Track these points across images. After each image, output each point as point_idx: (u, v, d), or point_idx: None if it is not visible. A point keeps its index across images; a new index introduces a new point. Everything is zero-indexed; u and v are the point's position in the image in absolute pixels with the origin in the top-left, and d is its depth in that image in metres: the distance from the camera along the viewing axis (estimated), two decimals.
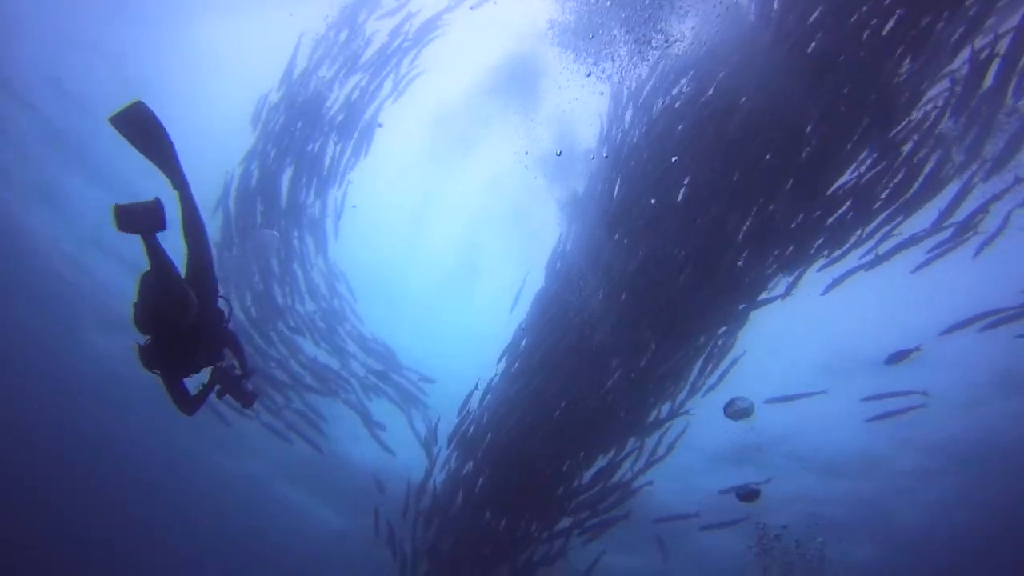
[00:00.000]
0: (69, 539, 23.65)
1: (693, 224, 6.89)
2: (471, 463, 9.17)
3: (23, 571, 22.66)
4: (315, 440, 12.97)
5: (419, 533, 9.68)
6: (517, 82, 10.94)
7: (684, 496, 14.72)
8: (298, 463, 16.60)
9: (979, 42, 5.96)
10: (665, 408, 8.27)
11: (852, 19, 5.82)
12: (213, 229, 10.26)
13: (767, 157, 6.41)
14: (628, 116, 7.84)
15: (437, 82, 10.94)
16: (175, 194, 3.44)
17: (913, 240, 7.06)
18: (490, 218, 13.30)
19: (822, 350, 12.70)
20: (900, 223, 6.85)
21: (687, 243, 6.98)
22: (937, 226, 7.03)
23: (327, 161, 9.79)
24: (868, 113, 6.20)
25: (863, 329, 11.96)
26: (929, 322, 9.80)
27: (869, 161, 6.50)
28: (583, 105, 9.42)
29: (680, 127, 6.95)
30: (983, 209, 6.90)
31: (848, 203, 6.60)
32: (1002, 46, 5.99)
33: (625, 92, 7.92)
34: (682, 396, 8.08)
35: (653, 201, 7.07)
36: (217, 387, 3.99)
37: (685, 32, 7.09)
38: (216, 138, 10.39)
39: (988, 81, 6.20)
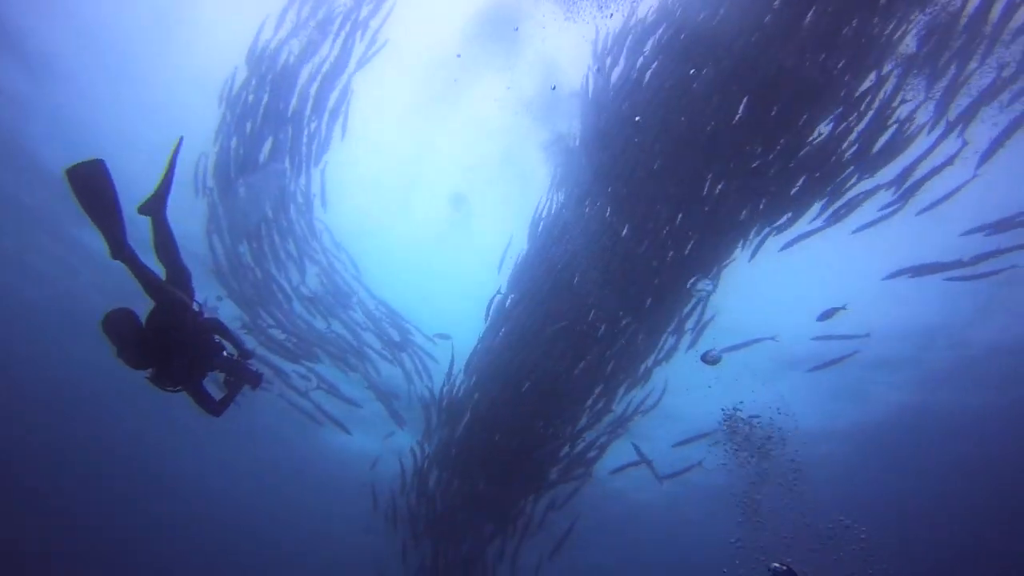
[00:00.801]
0: None
1: (674, 177, 7.25)
2: (459, 428, 9.89)
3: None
4: (343, 423, 13.66)
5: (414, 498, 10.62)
6: (499, 26, 10.59)
7: None
8: None
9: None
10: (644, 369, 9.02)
11: None
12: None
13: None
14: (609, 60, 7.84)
15: (417, 32, 10.57)
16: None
17: (867, 195, 7.47)
18: (481, 165, 13.38)
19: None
20: (862, 181, 7.31)
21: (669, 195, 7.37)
22: (898, 185, 7.45)
23: (304, 134, 9.41)
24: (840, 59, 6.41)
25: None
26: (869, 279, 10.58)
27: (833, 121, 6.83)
28: (569, 47, 9.34)
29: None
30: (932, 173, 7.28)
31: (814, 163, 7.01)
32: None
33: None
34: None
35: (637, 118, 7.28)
36: (227, 378, 4.21)
37: None
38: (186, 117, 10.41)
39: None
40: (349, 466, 20.29)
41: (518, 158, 12.40)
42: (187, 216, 12.88)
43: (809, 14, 6.28)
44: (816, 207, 7.49)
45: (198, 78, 11.65)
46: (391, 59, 10.08)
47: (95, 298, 16.84)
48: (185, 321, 3.71)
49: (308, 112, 9.28)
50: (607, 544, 23.49)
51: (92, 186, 3.23)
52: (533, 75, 10.89)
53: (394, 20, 9.38)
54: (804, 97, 6.60)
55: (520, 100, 11.21)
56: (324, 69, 9.09)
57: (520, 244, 9.60)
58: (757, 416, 12.10)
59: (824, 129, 6.89)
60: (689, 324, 8.76)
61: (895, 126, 6.84)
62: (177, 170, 3.78)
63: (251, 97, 9.07)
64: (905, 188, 7.40)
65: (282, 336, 11.19)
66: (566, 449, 9.65)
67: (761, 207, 7.46)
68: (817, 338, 11.55)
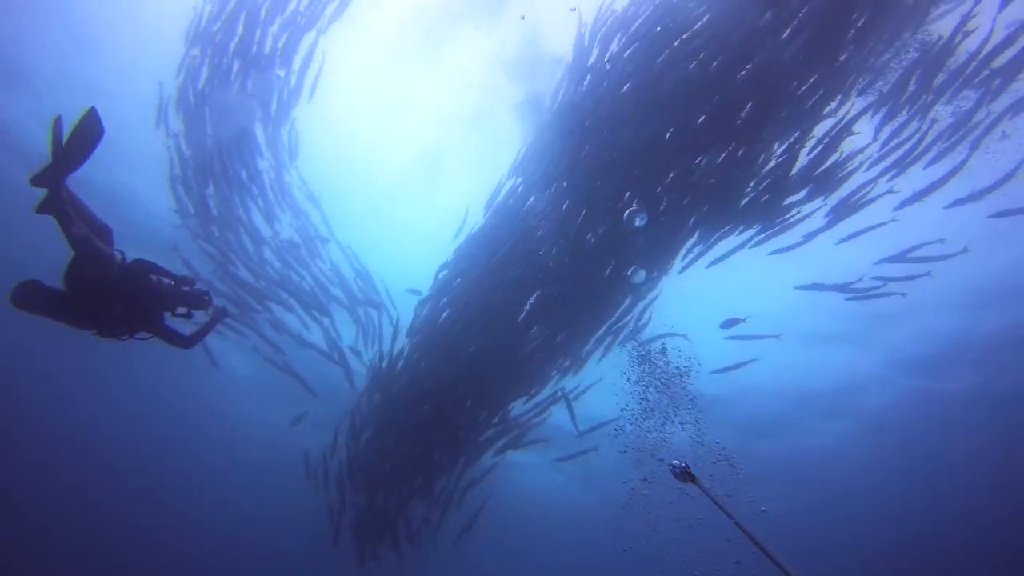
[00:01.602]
0: None
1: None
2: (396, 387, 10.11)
3: None
4: (309, 385, 13.27)
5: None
6: None
7: None
8: None
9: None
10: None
11: None
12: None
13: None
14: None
15: None
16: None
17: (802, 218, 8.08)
18: (455, 120, 13.09)
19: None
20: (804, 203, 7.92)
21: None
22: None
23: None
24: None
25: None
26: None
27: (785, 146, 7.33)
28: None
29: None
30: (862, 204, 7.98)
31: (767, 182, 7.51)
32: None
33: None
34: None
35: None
36: (182, 310, 4.31)
37: None
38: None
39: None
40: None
41: (494, 119, 12.29)
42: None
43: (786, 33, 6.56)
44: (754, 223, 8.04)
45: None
46: (371, 8, 9.57)
47: None
48: (110, 268, 3.79)
49: (277, 61, 8.81)
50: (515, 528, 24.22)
51: (91, 133, 3.48)
52: (517, 33, 10.67)
53: None
54: (768, 111, 6.99)
55: (501, 59, 11.02)
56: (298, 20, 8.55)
57: (478, 214, 9.51)
58: None
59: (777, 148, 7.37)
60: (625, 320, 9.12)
61: (840, 155, 7.42)
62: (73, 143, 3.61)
63: (219, 37, 8.50)
64: (832, 217, 8.09)
65: (251, 279, 10.92)
66: (489, 432, 10.20)
67: (704, 212, 7.92)
68: (729, 338, 12.04)
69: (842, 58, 6.72)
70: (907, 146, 7.51)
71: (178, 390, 19.44)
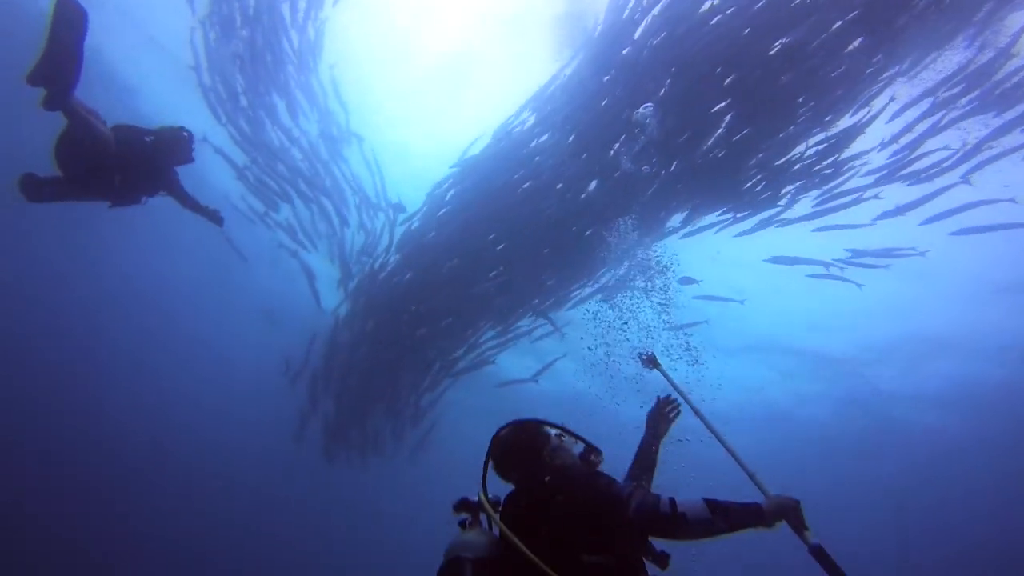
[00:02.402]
0: None
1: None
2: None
3: None
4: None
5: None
6: None
7: None
8: None
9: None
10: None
11: None
12: None
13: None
14: None
15: None
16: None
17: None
18: (489, 18, 12.34)
19: None
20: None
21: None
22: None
23: None
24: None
25: None
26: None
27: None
28: None
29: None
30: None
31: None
32: None
33: None
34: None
35: None
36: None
37: None
38: None
39: None
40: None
41: (530, 26, 11.72)
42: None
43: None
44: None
45: None
46: None
47: None
48: (108, 147, 4.03)
49: None
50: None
51: (72, 20, 3.51)
52: None
53: None
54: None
55: None
56: None
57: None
58: None
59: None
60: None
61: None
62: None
63: None
64: (817, 211, 8.69)
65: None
66: (461, 350, 10.88)
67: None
68: (696, 297, 12.44)
69: (879, 55, 6.85)
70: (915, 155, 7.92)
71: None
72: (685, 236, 8.89)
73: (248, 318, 19.20)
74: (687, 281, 10.63)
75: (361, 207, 11.37)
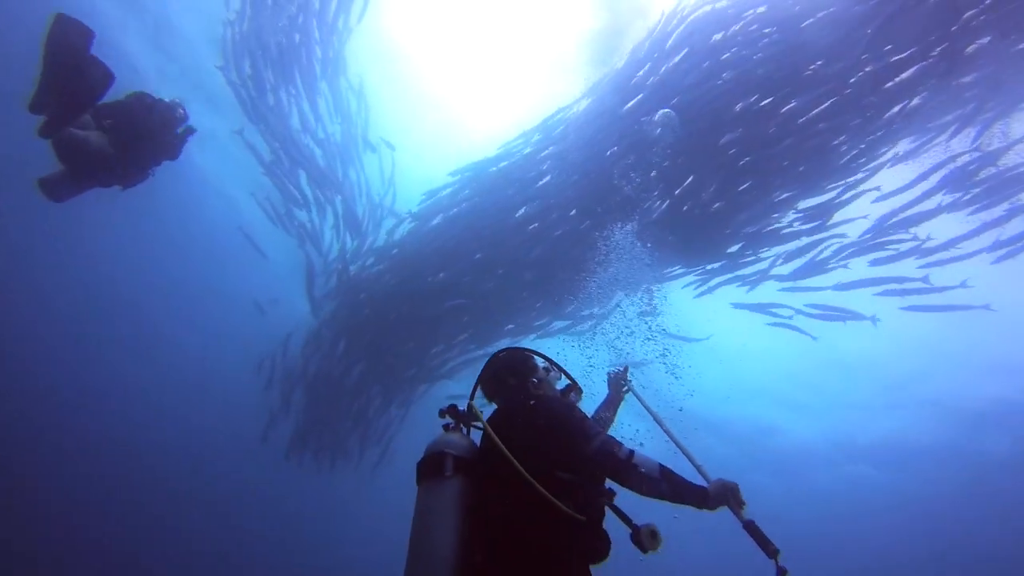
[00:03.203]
0: None
1: None
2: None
3: None
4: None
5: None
6: None
7: None
8: None
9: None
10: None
11: None
12: None
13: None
14: None
15: None
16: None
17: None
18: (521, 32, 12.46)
19: None
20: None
21: None
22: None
23: None
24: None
25: None
26: None
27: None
28: None
29: None
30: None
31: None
32: None
33: None
34: None
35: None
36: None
37: None
38: None
39: None
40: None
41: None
42: None
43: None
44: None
45: None
46: None
47: None
48: (107, 158, 4.20)
49: None
50: None
51: (68, 41, 3.34)
52: None
53: None
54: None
55: None
56: None
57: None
58: None
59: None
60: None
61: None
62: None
63: None
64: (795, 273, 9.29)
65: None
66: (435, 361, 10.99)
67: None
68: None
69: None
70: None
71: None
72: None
73: (235, 312, 18.99)
74: (646, 313, 11.02)
75: (367, 211, 11.40)
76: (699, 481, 1.89)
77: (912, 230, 8.34)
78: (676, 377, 10.81)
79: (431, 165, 12.54)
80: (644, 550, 1.78)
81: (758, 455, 21.99)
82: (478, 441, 1.99)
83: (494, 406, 2.22)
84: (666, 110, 7.58)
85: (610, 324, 9.73)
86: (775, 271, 8.86)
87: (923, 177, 8.13)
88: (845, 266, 8.69)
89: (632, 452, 1.83)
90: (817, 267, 8.66)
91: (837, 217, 8.22)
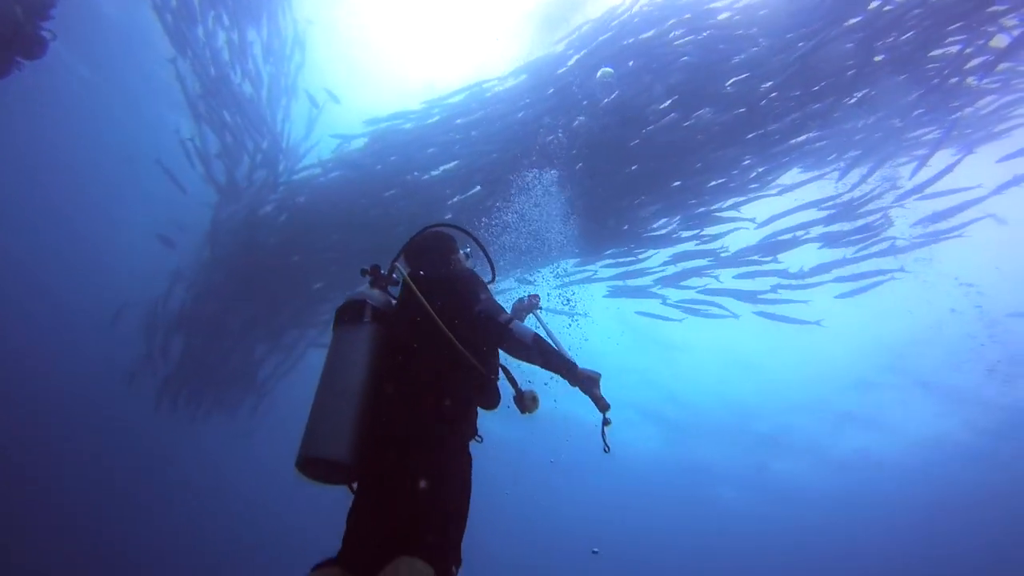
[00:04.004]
0: None
1: None
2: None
3: None
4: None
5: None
6: None
7: None
8: None
9: None
10: None
11: None
12: None
13: None
14: None
15: None
16: None
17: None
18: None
19: None
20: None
21: None
22: None
23: None
24: None
25: None
26: None
27: None
28: None
29: None
30: None
31: None
32: None
33: None
34: None
35: None
36: None
37: None
38: None
39: None
40: None
41: None
42: None
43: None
44: None
45: None
46: None
47: None
48: None
49: None
50: None
51: None
52: None
53: None
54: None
55: None
56: None
57: None
58: None
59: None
60: None
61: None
62: None
63: None
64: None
65: None
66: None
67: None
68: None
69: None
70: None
71: None
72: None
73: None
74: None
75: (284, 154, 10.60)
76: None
77: (781, 256, 9.19)
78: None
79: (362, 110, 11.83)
80: (523, 410, 2.12)
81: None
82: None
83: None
84: (607, 69, 7.60)
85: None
86: (654, 271, 9.57)
87: (798, 209, 8.84)
88: (717, 278, 9.53)
89: (512, 319, 2.02)
90: (691, 273, 9.45)
91: (717, 230, 8.88)
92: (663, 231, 8.89)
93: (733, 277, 9.58)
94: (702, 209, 8.53)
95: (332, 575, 1.68)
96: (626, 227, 8.66)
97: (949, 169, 7.98)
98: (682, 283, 9.81)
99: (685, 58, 7.33)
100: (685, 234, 8.91)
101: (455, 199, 8.57)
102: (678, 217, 8.71)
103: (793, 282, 9.52)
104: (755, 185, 8.35)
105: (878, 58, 6.84)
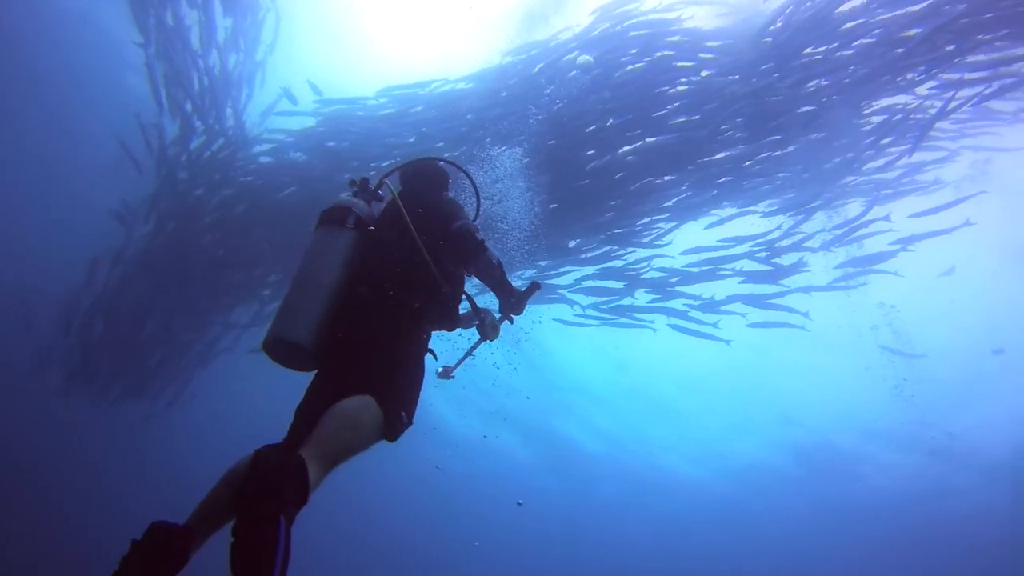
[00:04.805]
0: None
1: None
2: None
3: None
4: None
5: None
6: None
7: None
8: None
9: None
10: None
11: None
12: None
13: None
14: None
15: None
16: None
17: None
18: None
19: None
20: None
21: None
22: None
23: None
24: None
25: None
26: None
27: None
28: None
29: None
30: None
31: None
32: None
33: None
34: None
35: None
36: None
37: None
38: None
39: None
40: None
41: None
42: None
43: None
44: None
45: None
46: None
47: None
48: None
49: None
50: None
51: None
52: None
53: None
54: None
55: None
56: None
57: None
58: None
59: None
60: None
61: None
62: None
63: None
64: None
65: None
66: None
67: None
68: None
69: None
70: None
71: None
72: None
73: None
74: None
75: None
76: None
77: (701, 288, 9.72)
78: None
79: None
80: (484, 337, 2.41)
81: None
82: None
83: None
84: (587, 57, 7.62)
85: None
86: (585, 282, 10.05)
87: (723, 245, 9.28)
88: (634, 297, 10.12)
89: (486, 241, 2.27)
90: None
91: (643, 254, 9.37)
92: (591, 253, 9.27)
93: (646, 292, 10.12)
94: (624, 230, 8.94)
95: (242, 466, 1.55)
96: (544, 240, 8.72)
97: (860, 218, 8.47)
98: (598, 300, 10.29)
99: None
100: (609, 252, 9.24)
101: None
102: (602, 236, 9.04)
103: (700, 313, 10.20)
104: (684, 214, 8.79)
105: (804, 109, 7.37)
